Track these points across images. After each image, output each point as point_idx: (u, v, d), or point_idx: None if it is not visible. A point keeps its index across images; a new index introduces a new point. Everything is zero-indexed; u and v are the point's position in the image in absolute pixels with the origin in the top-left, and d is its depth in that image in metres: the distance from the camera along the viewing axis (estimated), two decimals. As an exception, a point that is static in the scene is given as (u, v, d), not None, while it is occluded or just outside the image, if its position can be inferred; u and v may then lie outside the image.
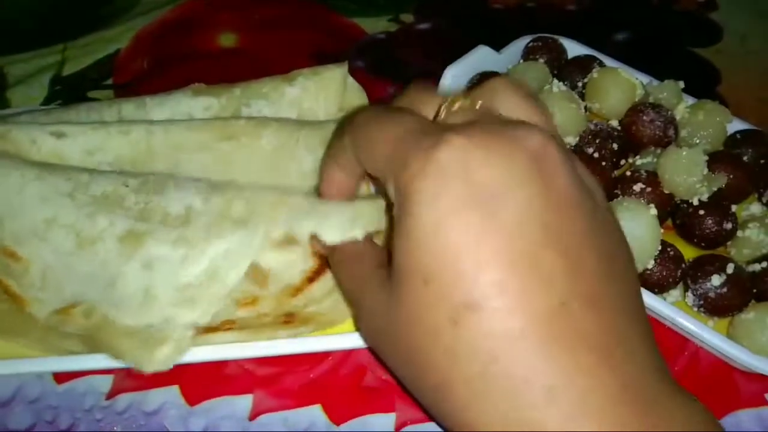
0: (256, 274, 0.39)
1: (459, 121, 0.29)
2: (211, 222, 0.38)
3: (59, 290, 0.39)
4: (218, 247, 0.37)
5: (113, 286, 0.38)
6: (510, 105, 0.30)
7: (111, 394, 0.40)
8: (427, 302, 0.26)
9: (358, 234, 0.35)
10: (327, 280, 0.40)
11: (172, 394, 0.40)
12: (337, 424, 0.39)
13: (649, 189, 0.43)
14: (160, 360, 0.35)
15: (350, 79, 0.51)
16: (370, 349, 0.40)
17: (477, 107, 0.30)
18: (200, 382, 0.40)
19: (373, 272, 0.31)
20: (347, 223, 0.35)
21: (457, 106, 0.30)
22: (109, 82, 0.61)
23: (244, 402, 0.39)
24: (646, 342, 0.27)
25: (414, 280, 0.26)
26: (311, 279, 0.40)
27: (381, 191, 0.36)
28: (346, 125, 0.33)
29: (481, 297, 0.25)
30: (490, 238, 0.25)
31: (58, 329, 0.38)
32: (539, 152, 0.27)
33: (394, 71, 0.62)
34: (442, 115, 0.30)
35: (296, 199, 0.38)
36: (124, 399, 0.40)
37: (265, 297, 0.39)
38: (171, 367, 0.36)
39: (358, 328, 0.35)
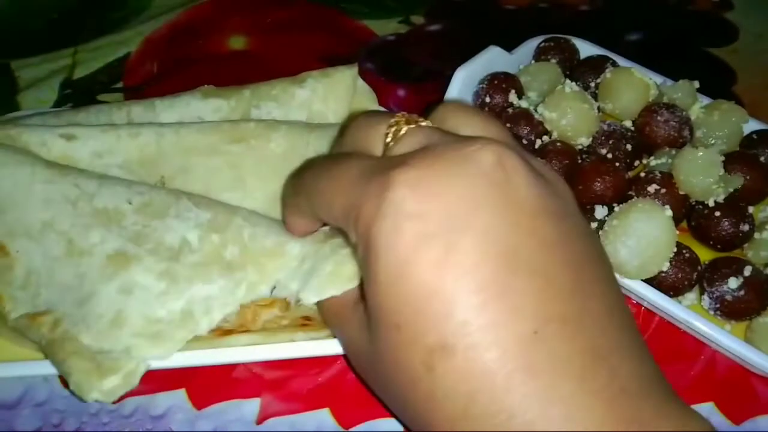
0: (244, 313, 0.38)
1: (408, 146, 0.28)
2: (200, 262, 0.38)
3: (36, 294, 0.38)
4: (199, 291, 0.37)
5: (87, 302, 0.37)
6: (459, 122, 0.30)
7: (118, 398, 0.39)
8: (400, 348, 0.26)
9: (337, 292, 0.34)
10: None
11: (179, 397, 0.39)
12: (346, 428, 0.38)
13: (664, 190, 0.42)
14: (105, 390, 0.34)
15: (360, 81, 0.51)
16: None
17: (424, 125, 0.29)
18: (207, 385, 0.40)
19: (353, 308, 0.31)
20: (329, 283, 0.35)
21: (404, 130, 0.29)
22: (119, 85, 0.61)
23: (251, 406, 0.39)
24: (631, 351, 0.26)
25: (386, 326, 0.26)
26: None
27: (343, 237, 0.36)
28: (295, 182, 0.34)
29: (452, 337, 0.24)
30: (453, 273, 0.24)
31: (23, 333, 0.38)
32: (495, 166, 0.26)
33: (404, 73, 0.62)
34: (390, 143, 0.29)
35: (293, 250, 0.38)
36: (131, 402, 0.39)
37: (281, 300, 0.39)
38: (114, 399, 0.35)
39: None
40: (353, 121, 0.33)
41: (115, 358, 0.35)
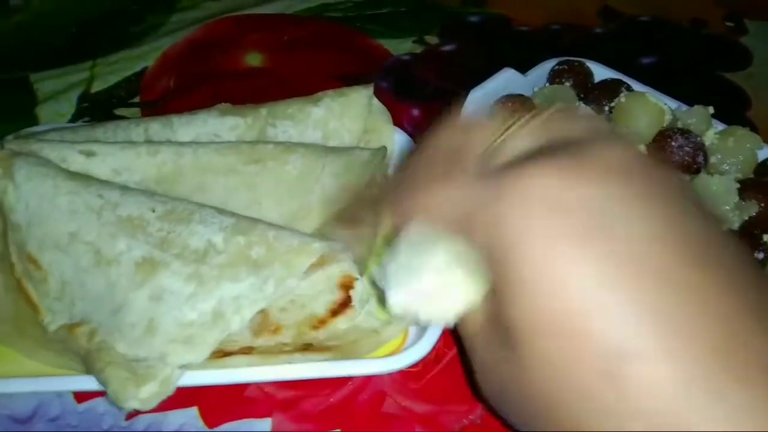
0: (263, 321, 0.39)
1: (523, 145, 0.25)
2: (227, 263, 0.38)
3: (71, 305, 0.39)
4: (228, 290, 0.38)
5: (119, 311, 0.38)
6: (571, 125, 0.26)
7: (130, 415, 0.39)
8: (563, 361, 0.22)
9: None
10: (351, 314, 0.40)
11: (191, 416, 0.39)
12: (356, 450, 0.38)
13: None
14: (142, 398, 0.35)
15: (375, 101, 0.52)
16: (391, 376, 0.40)
17: (542, 126, 0.26)
18: (220, 404, 0.40)
19: (479, 323, 0.27)
20: None
21: (526, 128, 0.26)
22: (137, 99, 0.62)
23: (263, 425, 0.39)
24: None
25: (540, 339, 0.23)
26: (335, 312, 0.40)
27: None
28: (384, 203, 0.30)
29: (633, 345, 0.21)
30: (620, 271, 0.21)
31: (63, 344, 0.38)
32: (627, 162, 0.23)
33: (418, 92, 0.62)
34: (507, 140, 0.26)
35: (321, 249, 0.39)
36: (143, 420, 0.39)
37: (288, 326, 0.39)
38: (153, 406, 0.35)
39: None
40: (440, 126, 0.29)
41: (151, 366, 0.36)
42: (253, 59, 0.66)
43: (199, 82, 0.63)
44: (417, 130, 0.57)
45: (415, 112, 0.60)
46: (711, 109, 0.50)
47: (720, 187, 0.42)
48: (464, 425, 0.39)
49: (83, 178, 0.43)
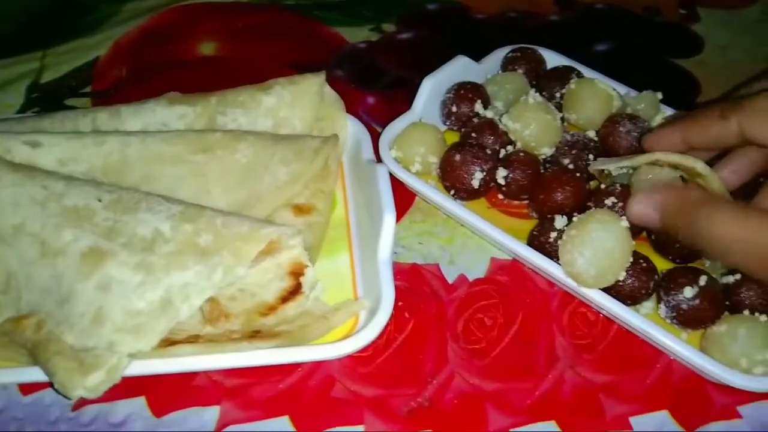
0: (213, 309, 0.38)
1: None
2: (175, 251, 0.38)
3: (17, 298, 0.39)
4: (177, 279, 0.37)
5: (67, 302, 0.37)
6: None
7: (77, 406, 0.39)
8: None
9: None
10: (301, 301, 0.40)
11: (138, 405, 0.39)
12: (305, 436, 0.38)
13: (621, 204, 0.43)
14: (89, 386, 0.35)
15: (328, 89, 0.51)
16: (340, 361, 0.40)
17: None
18: (167, 393, 0.39)
19: (719, 196, 0.38)
20: None
21: None
22: (88, 89, 0.61)
23: (211, 413, 0.39)
24: None
25: None
26: (285, 299, 0.40)
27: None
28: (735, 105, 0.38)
29: None
30: None
31: (9, 337, 0.38)
32: None
33: (374, 80, 0.62)
34: None
35: (271, 235, 0.39)
36: (90, 410, 0.39)
37: (238, 314, 0.39)
38: (100, 394, 0.35)
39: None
40: None
41: (98, 355, 0.36)
42: (207, 48, 0.65)
43: (152, 71, 0.62)
44: (372, 118, 0.57)
45: (371, 100, 0.60)
46: (659, 95, 0.51)
47: (663, 178, 0.42)
48: (412, 407, 0.39)
49: (27, 170, 0.42)
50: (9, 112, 0.58)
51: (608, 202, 0.43)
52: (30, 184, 0.41)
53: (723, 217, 0.35)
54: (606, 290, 0.41)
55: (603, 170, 0.46)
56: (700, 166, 0.39)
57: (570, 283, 0.41)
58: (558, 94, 0.53)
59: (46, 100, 0.59)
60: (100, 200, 0.40)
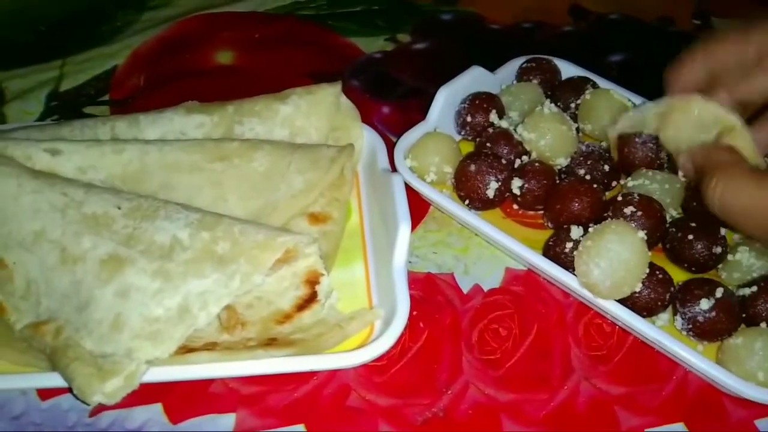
0: (230, 317, 0.39)
1: None
2: (193, 259, 0.39)
3: (37, 304, 0.39)
4: (194, 286, 0.38)
5: (85, 308, 0.38)
6: None
7: (94, 412, 0.39)
8: None
9: None
10: (316, 309, 0.40)
11: (155, 411, 0.39)
12: (321, 444, 0.38)
13: (640, 212, 0.43)
14: (107, 392, 0.35)
15: (343, 98, 0.52)
16: (356, 370, 0.40)
17: None
18: (184, 400, 0.40)
19: (738, 161, 0.37)
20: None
21: None
22: (106, 98, 0.62)
23: (227, 421, 0.39)
24: None
25: None
26: (301, 307, 0.40)
27: None
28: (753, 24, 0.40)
29: None
30: None
31: (28, 342, 0.38)
32: None
33: (389, 90, 0.62)
34: None
35: (287, 243, 0.39)
36: (107, 416, 0.39)
37: (254, 322, 0.39)
38: (118, 400, 0.35)
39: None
40: None
41: (116, 361, 0.36)
42: (224, 57, 0.66)
43: (170, 80, 0.63)
44: (387, 128, 0.58)
45: (386, 109, 0.61)
46: (674, 106, 0.50)
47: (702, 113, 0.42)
48: (427, 417, 0.39)
49: (47, 177, 0.43)
50: (29, 120, 0.58)
51: (627, 211, 0.43)
52: (50, 191, 0.42)
53: (737, 187, 0.35)
54: (622, 301, 0.41)
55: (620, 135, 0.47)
56: (733, 119, 0.39)
57: (586, 294, 0.41)
58: (573, 105, 0.53)
59: (65, 108, 0.60)
60: (119, 208, 0.41)
